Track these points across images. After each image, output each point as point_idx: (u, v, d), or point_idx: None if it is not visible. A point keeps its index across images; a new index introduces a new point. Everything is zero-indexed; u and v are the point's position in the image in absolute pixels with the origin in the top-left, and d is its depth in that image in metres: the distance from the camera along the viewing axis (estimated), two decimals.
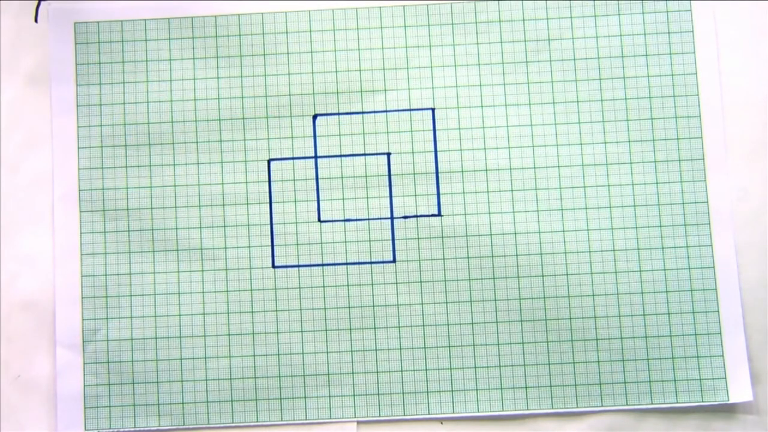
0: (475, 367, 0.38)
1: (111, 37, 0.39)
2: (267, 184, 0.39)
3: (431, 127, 0.39)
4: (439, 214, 0.38)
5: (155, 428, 0.38)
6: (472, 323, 0.38)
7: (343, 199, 0.38)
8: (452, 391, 0.38)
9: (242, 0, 0.39)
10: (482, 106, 0.39)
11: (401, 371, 0.38)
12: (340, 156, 0.39)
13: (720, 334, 0.37)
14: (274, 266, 0.38)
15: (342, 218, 0.38)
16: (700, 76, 0.38)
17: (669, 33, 0.39)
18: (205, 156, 0.39)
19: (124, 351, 0.38)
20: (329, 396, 0.38)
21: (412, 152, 0.39)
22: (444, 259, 0.38)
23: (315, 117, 0.39)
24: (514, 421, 0.38)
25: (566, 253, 0.38)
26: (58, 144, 0.39)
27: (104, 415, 0.38)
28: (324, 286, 0.38)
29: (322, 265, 0.38)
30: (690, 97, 0.38)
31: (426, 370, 0.38)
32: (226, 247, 0.38)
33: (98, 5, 0.40)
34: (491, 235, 0.38)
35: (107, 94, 0.39)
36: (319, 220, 0.38)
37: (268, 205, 0.39)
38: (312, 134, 0.39)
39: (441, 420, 0.38)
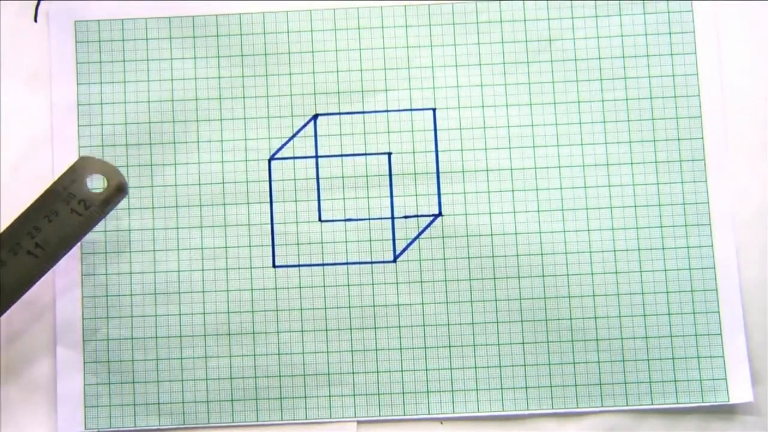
0: (475, 367, 0.38)
1: (111, 36, 0.39)
2: (268, 183, 0.39)
3: (432, 127, 0.39)
4: (440, 214, 0.38)
5: (155, 427, 0.38)
6: (473, 323, 0.38)
7: (344, 198, 0.38)
8: (452, 391, 0.38)
9: (243, 0, 0.40)
10: (483, 106, 0.39)
11: (401, 371, 0.38)
12: (341, 156, 0.39)
13: (720, 334, 0.37)
14: (274, 266, 0.38)
15: (343, 218, 0.38)
16: (701, 77, 0.38)
17: (670, 33, 0.39)
18: (206, 155, 0.39)
19: (125, 350, 0.38)
20: (329, 396, 0.38)
21: (413, 152, 0.39)
22: (444, 259, 0.38)
23: (316, 117, 0.39)
24: (514, 421, 0.38)
25: (567, 253, 0.38)
26: (58, 143, 0.39)
27: (104, 414, 0.38)
28: (324, 286, 0.38)
29: (323, 264, 0.38)
30: (691, 98, 0.38)
31: (426, 370, 0.38)
32: (226, 247, 0.38)
33: (98, 4, 0.40)
34: (492, 235, 0.38)
35: (108, 93, 0.39)
36: (320, 219, 0.38)
37: (268, 204, 0.39)
38: (313, 134, 0.39)
39: (441, 420, 0.38)
